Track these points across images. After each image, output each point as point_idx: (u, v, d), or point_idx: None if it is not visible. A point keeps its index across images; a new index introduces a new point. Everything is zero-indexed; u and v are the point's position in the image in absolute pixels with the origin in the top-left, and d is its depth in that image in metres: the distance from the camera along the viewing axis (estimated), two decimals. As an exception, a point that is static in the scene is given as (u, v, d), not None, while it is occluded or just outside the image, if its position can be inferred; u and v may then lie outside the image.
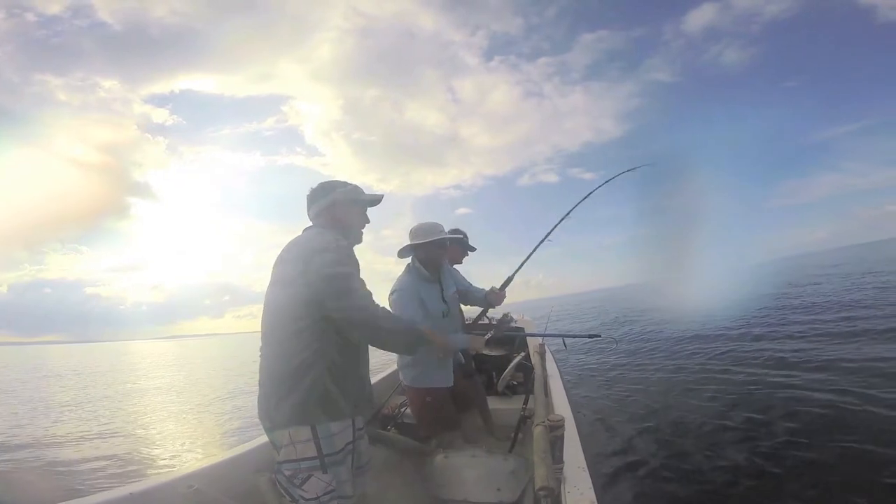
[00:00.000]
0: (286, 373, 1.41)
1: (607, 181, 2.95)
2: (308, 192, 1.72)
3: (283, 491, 1.35)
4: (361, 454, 1.61)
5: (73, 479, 4.81)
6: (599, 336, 3.17)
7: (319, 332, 1.43)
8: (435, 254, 2.45)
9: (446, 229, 3.12)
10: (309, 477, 1.33)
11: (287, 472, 1.35)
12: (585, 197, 2.91)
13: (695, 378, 6.03)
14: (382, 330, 1.50)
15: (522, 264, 2.78)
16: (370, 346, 1.64)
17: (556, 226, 2.85)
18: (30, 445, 6.44)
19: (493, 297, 2.67)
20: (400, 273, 2.57)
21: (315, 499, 1.32)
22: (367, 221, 1.78)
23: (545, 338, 3.47)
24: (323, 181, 1.72)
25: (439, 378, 2.41)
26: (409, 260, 2.49)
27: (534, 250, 2.81)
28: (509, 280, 2.70)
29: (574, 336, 3.21)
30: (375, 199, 1.78)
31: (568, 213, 2.89)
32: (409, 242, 2.43)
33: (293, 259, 1.48)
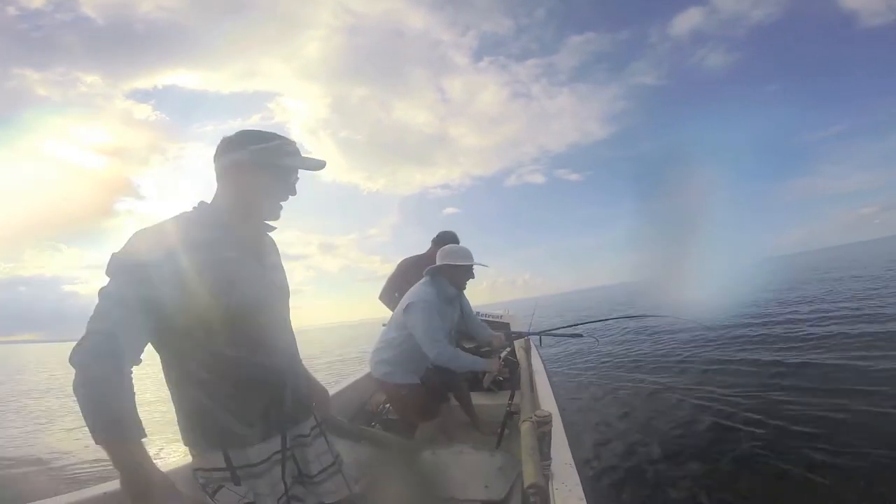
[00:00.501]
0: (171, 391, 1.18)
1: (611, 318, 3.43)
2: (219, 142, 1.24)
3: (204, 494, 1.18)
4: (310, 462, 1.36)
5: (46, 477, 4.71)
6: (581, 335, 3.20)
7: (182, 354, 1.14)
8: (464, 278, 2.57)
9: (435, 230, 3.32)
10: (220, 488, 1.14)
11: (200, 480, 1.18)
12: (603, 319, 3.39)
13: (679, 374, 6.15)
14: (83, 371, 0.99)
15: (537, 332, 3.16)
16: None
17: (578, 324, 3.27)
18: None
19: (496, 343, 2.78)
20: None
21: None
22: (292, 193, 1.30)
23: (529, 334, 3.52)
24: (243, 130, 1.26)
25: (409, 374, 2.48)
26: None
27: (553, 329, 3.26)
28: (519, 336, 2.88)
29: (556, 335, 3.25)
30: (309, 164, 1.29)
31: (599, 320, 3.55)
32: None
33: None
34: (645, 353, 8.09)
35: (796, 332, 7.84)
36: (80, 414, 0.97)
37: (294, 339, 1.40)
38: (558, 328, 3.27)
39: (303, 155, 1.30)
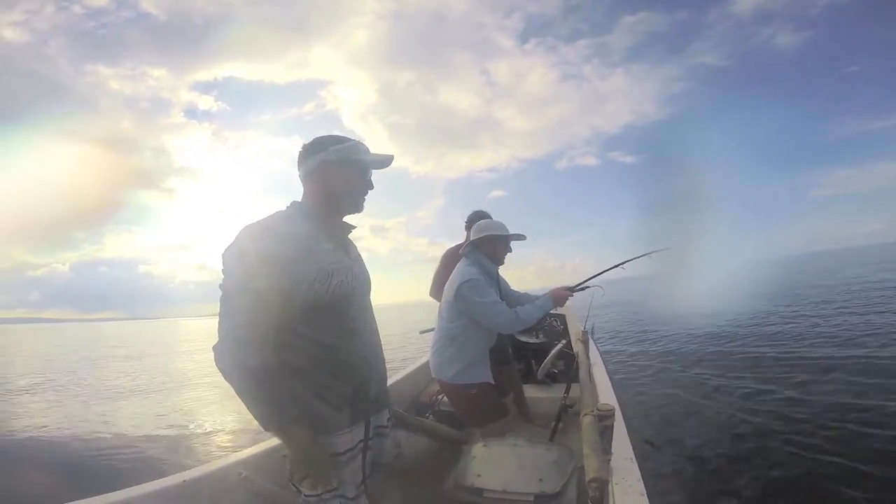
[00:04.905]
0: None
1: (647, 254, 2.91)
2: (300, 150, 1.40)
3: (289, 480, 1.27)
4: (384, 451, 1.49)
5: (126, 466, 4.88)
6: (588, 286, 2.75)
7: (280, 337, 1.21)
8: (502, 251, 2.47)
9: (476, 212, 3.12)
10: (308, 474, 1.21)
11: (290, 466, 1.24)
12: (639, 256, 2.91)
13: (743, 372, 5.80)
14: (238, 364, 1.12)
15: (592, 277, 2.76)
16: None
17: (619, 264, 2.85)
18: (81, 432, 6.59)
19: (558, 296, 2.45)
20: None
21: (315, 496, 1.23)
22: (370, 187, 1.43)
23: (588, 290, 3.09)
24: (318, 136, 1.39)
25: (478, 371, 2.37)
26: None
27: (603, 272, 2.85)
28: (579, 286, 2.65)
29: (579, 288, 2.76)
30: (380, 161, 1.42)
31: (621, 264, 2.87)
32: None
33: None
34: (708, 344, 7.77)
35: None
36: (247, 409, 1.13)
37: (377, 328, 1.50)
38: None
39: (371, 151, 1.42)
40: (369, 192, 1.44)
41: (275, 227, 1.23)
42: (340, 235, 1.42)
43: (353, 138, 1.39)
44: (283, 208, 1.35)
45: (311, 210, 1.34)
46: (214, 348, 1.13)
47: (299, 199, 1.38)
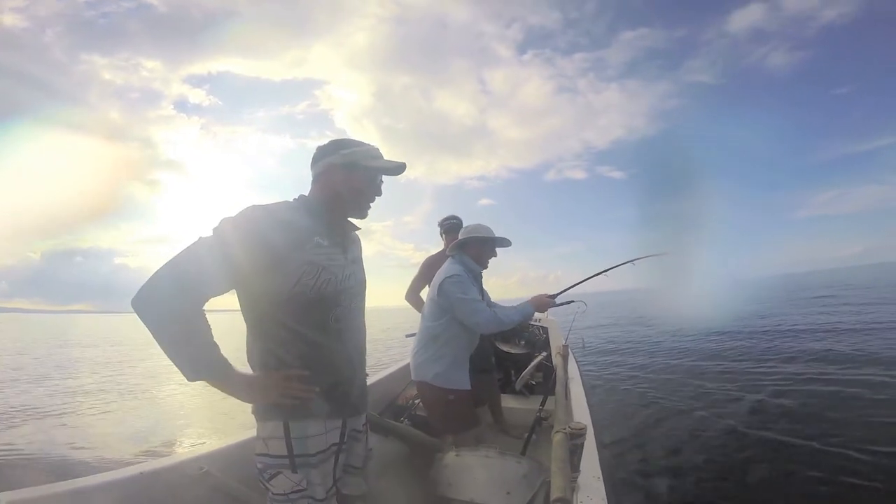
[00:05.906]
0: (250, 366, 1.30)
1: (631, 260, 2.88)
2: (314, 152, 1.41)
3: (259, 480, 1.27)
4: (356, 455, 1.47)
5: (81, 457, 4.79)
6: (573, 301, 2.78)
7: (264, 329, 1.26)
8: (488, 254, 2.47)
9: (466, 219, 3.17)
10: (277, 474, 1.23)
11: (259, 465, 1.26)
12: (623, 263, 2.89)
13: (715, 386, 5.93)
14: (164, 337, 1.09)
15: (576, 284, 2.77)
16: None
17: (603, 271, 2.85)
18: (39, 420, 6.49)
19: (539, 303, 2.46)
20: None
21: (283, 495, 1.22)
22: (377, 194, 1.42)
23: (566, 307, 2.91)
24: (335, 139, 1.40)
25: (460, 379, 2.35)
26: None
27: (587, 279, 2.86)
28: (561, 293, 2.65)
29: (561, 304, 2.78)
30: (391, 168, 1.41)
31: (606, 271, 2.87)
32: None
33: None
34: (680, 361, 7.87)
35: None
36: (171, 359, 1.08)
37: (365, 332, 1.49)
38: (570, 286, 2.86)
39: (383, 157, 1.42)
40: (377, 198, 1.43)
41: (277, 212, 1.24)
42: (340, 234, 1.41)
43: (366, 143, 1.39)
44: (291, 199, 1.36)
45: (314, 206, 1.35)
46: (143, 288, 1.06)
47: (307, 194, 1.39)
